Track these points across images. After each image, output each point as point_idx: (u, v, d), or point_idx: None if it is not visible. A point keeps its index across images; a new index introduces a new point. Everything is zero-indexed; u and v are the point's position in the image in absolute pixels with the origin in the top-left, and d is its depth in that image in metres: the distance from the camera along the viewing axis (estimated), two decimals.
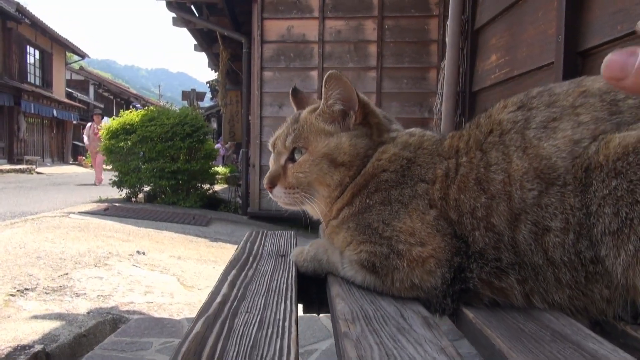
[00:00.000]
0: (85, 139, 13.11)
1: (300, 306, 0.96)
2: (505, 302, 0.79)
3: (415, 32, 6.55)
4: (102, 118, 13.03)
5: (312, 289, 0.97)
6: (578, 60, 1.76)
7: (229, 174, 11.22)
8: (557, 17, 1.81)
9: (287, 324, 0.67)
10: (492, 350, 0.65)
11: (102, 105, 36.42)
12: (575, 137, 0.76)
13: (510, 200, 0.78)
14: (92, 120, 13.10)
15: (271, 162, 1.06)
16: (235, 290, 0.82)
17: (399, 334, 0.66)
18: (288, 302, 0.76)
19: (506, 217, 0.79)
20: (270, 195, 1.01)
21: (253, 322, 0.67)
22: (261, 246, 1.20)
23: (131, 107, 10.53)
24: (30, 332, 2.21)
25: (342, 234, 0.92)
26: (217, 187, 9.49)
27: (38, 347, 1.98)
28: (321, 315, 1.96)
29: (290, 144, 1.00)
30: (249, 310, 0.73)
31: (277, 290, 0.83)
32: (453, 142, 0.91)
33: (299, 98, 1.18)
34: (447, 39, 2.78)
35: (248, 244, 1.21)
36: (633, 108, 0.74)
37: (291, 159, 1.00)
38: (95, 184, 12.18)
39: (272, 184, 1.00)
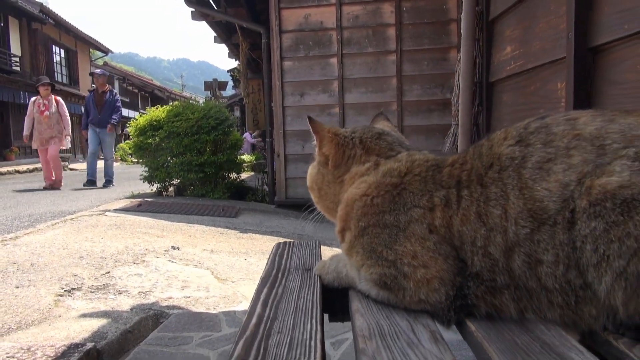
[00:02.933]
0: (26, 123, 9.23)
1: (326, 315, 1.06)
2: (501, 315, 0.88)
3: (433, 12, 6.49)
4: (51, 89, 9.43)
5: (337, 301, 1.07)
6: (589, 56, 1.78)
7: (254, 162, 11.40)
8: (567, 13, 1.83)
9: (313, 342, 0.77)
10: None
11: (127, 100, 37.12)
12: (565, 180, 0.83)
13: (506, 234, 0.86)
14: (39, 94, 9.36)
15: None
16: (267, 310, 0.92)
17: (408, 348, 0.75)
18: (314, 321, 0.86)
19: (501, 247, 0.87)
20: None
21: (284, 342, 0.77)
22: (288, 259, 1.30)
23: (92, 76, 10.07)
24: (81, 330, 2.37)
25: (354, 257, 1.02)
26: (244, 175, 9.66)
27: (89, 345, 2.14)
28: None
29: None
30: (280, 330, 0.83)
31: (304, 308, 0.93)
32: (454, 172, 0.97)
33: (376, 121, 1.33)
34: (462, 31, 2.79)
35: (277, 258, 1.32)
36: (615, 151, 0.81)
37: None
38: (45, 187, 9.25)
39: None
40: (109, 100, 9.64)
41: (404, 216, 0.95)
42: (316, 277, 1.14)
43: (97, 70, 10.47)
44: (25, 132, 9.33)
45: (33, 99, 9.47)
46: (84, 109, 9.88)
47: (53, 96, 9.46)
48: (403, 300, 0.94)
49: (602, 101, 1.75)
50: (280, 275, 1.18)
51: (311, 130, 1.14)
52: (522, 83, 2.45)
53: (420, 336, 0.80)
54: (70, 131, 9.73)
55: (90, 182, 9.71)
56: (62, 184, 9.70)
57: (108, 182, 9.91)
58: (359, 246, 1.00)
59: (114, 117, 9.62)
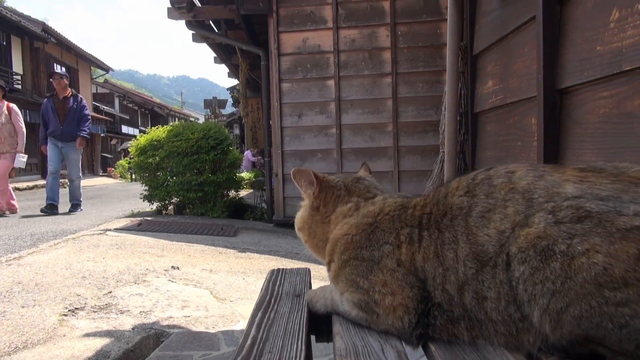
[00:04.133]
0: None
1: (314, 337, 1.21)
2: (458, 341, 1.02)
3: (428, 36, 6.69)
4: (2, 95, 7.79)
5: (323, 323, 1.22)
6: (557, 96, 1.94)
7: (253, 179, 11.54)
8: (537, 56, 1.99)
9: None
10: None
11: (127, 117, 37.42)
12: (501, 227, 0.97)
13: (457, 274, 1.00)
14: None
15: None
16: (260, 333, 1.06)
17: None
18: (299, 342, 1.00)
19: (455, 285, 1.01)
20: None
21: None
22: (281, 286, 1.45)
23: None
24: (85, 349, 2.48)
25: (339, 285, 1.18)
26: (243, 193, 9.79)
27: None
28: None
29: None
30: (271, 350, 0.96)
31: (292, 331, 1.07)
32: (416, 213, 1.12)
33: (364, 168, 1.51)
34: (447, 65, 2.96)
35: (270, 284, 1.46)
36: (539, 204, 0.95)
37: None
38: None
39: None
40: (73, 107, 7.93)
41: (377, 252, 1.10)
42: (304, 302, 1.29)
43: (57, 71, 8.82)
44: None
45: None
46: (41, 119, 7.95)
47: (5, 103, 7.79)
48: (377, 323, 1.09)
49: (568, 138, 1.90)
50: (272, 300, 1.32)
51: (304, 179, 1.30)
52: (503, 115, 2.61)
53: (388, 355, 0.94)
54: (23, 147, 7.96)
55: (51, 207, 7.99)
56: (17, 207, 8.29)
57: (75, 207, 8.31)
58: (343, 275, 1.15)
59: (83, 128, 7.95)
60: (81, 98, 8.26)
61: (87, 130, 8.05)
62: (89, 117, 8.25)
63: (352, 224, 1.17)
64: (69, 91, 8.09)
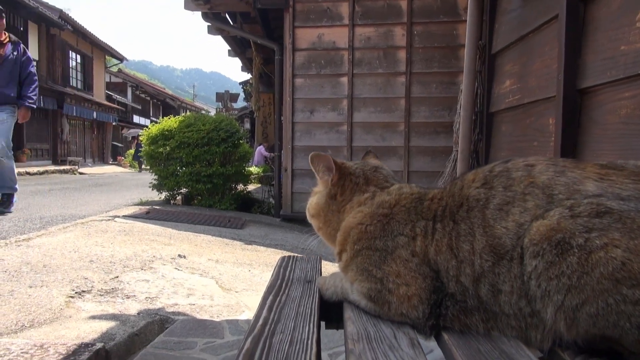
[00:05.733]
0: None
1: (323, 322, 1.21)
2: (471, 331, 1.01)
3: (444, 37, 6.66)
4: None
5: (333, 311, 1.21)
6: (577, 96, 1.92)
7: (262, 174, 11.56)
8: (559, 56, 1.97)
9: (310, 342, 0.90)
10: None
11: (139, 107, 37.63)
12: (520, 220, 0.95)
13: (473, 266, 0.99)
14: None
15: None
16: (272, 314, 1.06)
17: (389, 351, 0.88)
18: (311, 325, 1.00)
19: (470, 278, 0.99)
20: None
21: (286, 340, 0.91)
22: (292, 272, 1.44)
23: None
24: (90, 331, 2.49)
25: (349, 274, 1.17)
26: (251, 187, 9.81)
27: (99, 345, 2.25)
28: None
29: None
30: (282, 330, 0.96)
31: (304, 314, 1.07)
32: (432, 205, 1.10)
33: (368, 157, 1.45)
34: (464, 63, 2.94)
35: (281, 270, 1.45)
36: (560, 201, 0.93)
37: None
38: None
39: None
40: (11, 58, 5.45)
41: (392, 242, 1.09)
42: (316, 288, 1.28)
43: None
44: None
45: None
46: None
47: None
48: (388, 313, 1.07)
49: (587, 139, 1.88)
50: (284, 285, 1.31)
51: (322, 165, 1.27)
52: (519, 116, 2.58)
53: (400, 342, 0.93)
54: None
55: None
56: None
57: (5, 201, 5.84)
58: (353, 265, 1.14)
59: (29, 94, 5.58)
60: (24, 49, 5.71)
61: (34, 99, 5.65)
62: (36, 78, 5.80)
63: (367, 214, 1.15)
64: (5, 36, 5.48)
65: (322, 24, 6.90)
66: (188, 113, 8.99)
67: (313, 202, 1.30)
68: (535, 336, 0.95)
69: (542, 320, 0.92)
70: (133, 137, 25.23)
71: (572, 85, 1.89)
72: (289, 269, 1.46)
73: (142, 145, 8.31)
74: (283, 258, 1.60)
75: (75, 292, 3.07)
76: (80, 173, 18.96)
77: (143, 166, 20.25)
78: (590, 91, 1.87)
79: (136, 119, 37.06)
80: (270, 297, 1.18)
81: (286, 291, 1.24)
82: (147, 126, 8.57)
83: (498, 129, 2.90)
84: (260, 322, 0.99)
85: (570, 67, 1.89)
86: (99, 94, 27.67)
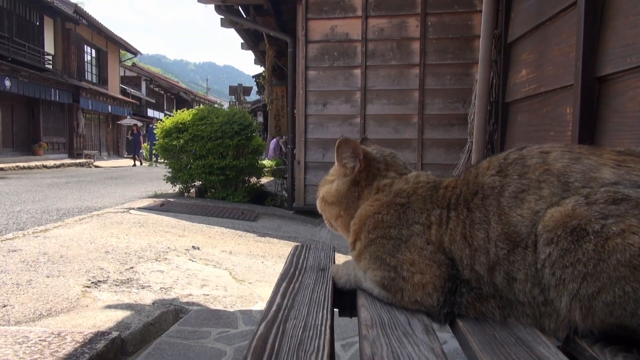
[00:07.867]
0: None
1: (336, 310, 1.21)
2: (486, 318, 1.00)
3: (458, 28, 6.57)
4: None
5: (346, 298, 1.20)
6: (595, 84, 1.88)
7: (275, 167, 11.57)
8: (577, 43, 1.92)
9: (323, 328, 0.90)
10: (469, 352, 0.86)
11: (153, 100, 37.87)
12: (536, 208, 0.93)
13: (488, 254, 0.97)
14: None
15: None
16: (285, 300, 1.06)
17: (404, 337, 0.88)
18: (325, 311, 1.00)
19: (485, 266, 0.98)
20: None
21: (299, 326, 0.90)
22: (305, 260, 1.44)
23: None
24: (106, 320, 2.52)
25: (362, 262, 1.16)
26: (264, 180, 9.84)
27: (115, 334, 2.28)
28: None
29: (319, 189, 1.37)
30: (296, 316, 0.96)
31: (317, 300, 1.07)
32: (447, 194, 1.09)
33: (366, 144, 1.40)
34: (480, 52, 2.90)
35: (295, 258, 1.45)
36: (576, 189, 0.91)
37: None
38: None
39: None
40: None
41: (407, 230, 1.08)
42: (329, 276, 1.27)
43: None
44: None
45: None
46: None
47: None
48: (401, 301, 1.07)
49: (605, 128, 1.84)
50: (297, 272, 1.31)
51: (350, 151, 1.22)
52: (535, 105, 2.54)
53: (415, 328, 0.92)
54: None
55: None
56: None
57: None
58: (367, 253, 1.13)
59: None
60: None
61: None
62: None
63: (384, 203, 1.14)
64: None
65: (335, 15, 6.86)
66: (201, 106, 9.02)
67: (332, 189, 1.27)
68: (549, 325, 0.94)
69: (556, 310, 0.91)
70: (128, 127, 25.15)
71: (590, 73, 1.86)
72: (302, 257, 1.46)
73: (156, 138, 8.36)
74: (296, 247, 1.60)
75: (92, 282, 3.12)
76: (96, 166, 19.18)
77: (154, 159, 20.35)
78: (609, 79, 1.83)
79: (150, 112, 37.31)
80: (284, 284, 1.18)
81: (299, 278, 1.24)
82: (161, 120, 8.62)
83: (514, 119, 2.85)
84: (274, 307, 0.99)
85: (589, 54, 1.85)
86: (113, 88, 27.91)
